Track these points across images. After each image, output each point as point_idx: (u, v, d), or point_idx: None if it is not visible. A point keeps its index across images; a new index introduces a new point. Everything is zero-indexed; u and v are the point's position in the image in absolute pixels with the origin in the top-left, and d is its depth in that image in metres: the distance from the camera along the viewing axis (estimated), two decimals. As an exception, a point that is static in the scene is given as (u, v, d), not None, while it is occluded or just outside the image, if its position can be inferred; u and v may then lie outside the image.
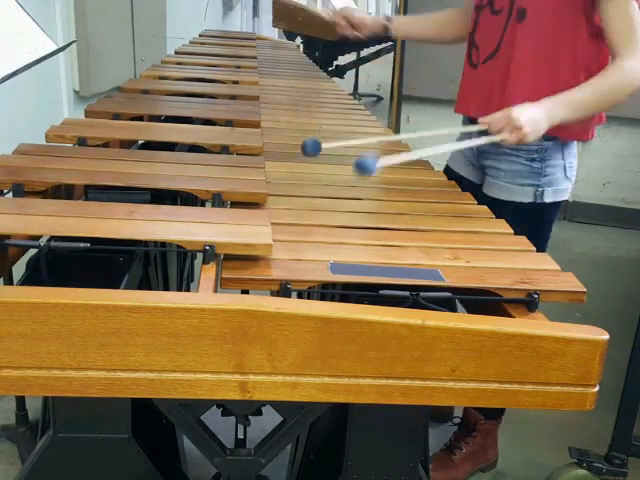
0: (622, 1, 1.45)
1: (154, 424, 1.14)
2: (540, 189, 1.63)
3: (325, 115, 2.11)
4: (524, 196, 1.64)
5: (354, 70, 6.37)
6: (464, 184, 1.62)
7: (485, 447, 1.97)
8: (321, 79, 2.78)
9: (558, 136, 1.58)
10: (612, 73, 1.46)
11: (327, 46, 5.65)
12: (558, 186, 1.65)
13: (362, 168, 1.21)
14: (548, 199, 1.64)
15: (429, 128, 1.53)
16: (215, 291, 0.96)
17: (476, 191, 1.57)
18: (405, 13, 4.10)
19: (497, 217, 1.34)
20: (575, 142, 1.67)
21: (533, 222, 1.57)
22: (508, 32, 1.58)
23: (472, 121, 1.65)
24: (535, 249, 1.19)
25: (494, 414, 1.95)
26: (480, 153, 1.72)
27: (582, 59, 1.54)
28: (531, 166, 1.62)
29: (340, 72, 6.15)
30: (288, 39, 5.74)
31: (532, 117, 1.37)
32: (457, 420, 2.00)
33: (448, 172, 1.80)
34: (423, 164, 1.70)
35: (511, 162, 1.65)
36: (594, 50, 1.55)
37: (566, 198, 1.69)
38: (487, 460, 1.99)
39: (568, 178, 1.66)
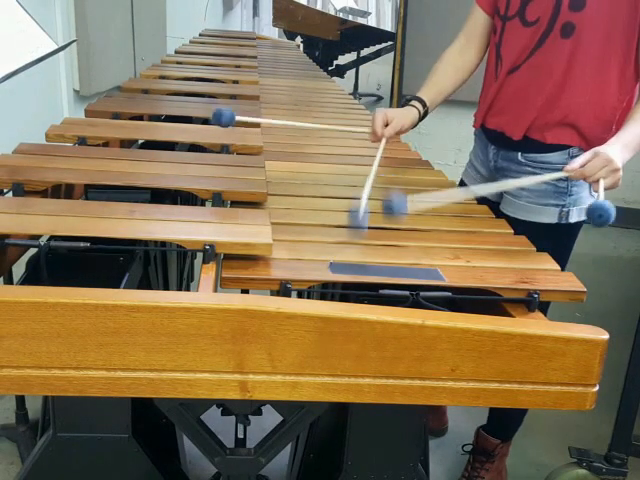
0: None
1: (154, 424, 1.14)
2: (565, 209, 1.53)
3: (325, 115, 2.11)
4: (548, 216, 1.54)
5: (354, 70, 6.37)
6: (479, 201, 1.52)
7: (500, 469, 1.93)
8: (321, 79, 2.78)
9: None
10: None
11: (327, 46, 5.66)
12: (583, 205, 1.53)
13: (391, 209, 1.14)
14: (573, 219, 1.55)
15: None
16: (215, 291, 0.96)
17: (493, 209, 1.46)
18: (405, 13, 4.10)
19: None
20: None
21: (556, 242, 1.45)
22: (547, 46, 1.47)
23: (498, 136, 1.59)
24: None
25: (510, 435, 1.89)
26: (497, 170, 1.62)
27: (629, 80, 1.47)
28: (556, 185, 1.52)
29: (340, 72, 6.15)
30: (288, 39, 5.74)
31: (622, 159, 1.28)
32: (468, 447, 1.93)
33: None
34: (423, 164, 1.70)
35: None
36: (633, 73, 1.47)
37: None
38: None
39: (592, 196, 1.53)
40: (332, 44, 5.86)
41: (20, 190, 1.20)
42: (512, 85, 1.54)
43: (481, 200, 1.46)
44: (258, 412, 1.02)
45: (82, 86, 2.77)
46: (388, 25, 8.85)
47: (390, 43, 5.91)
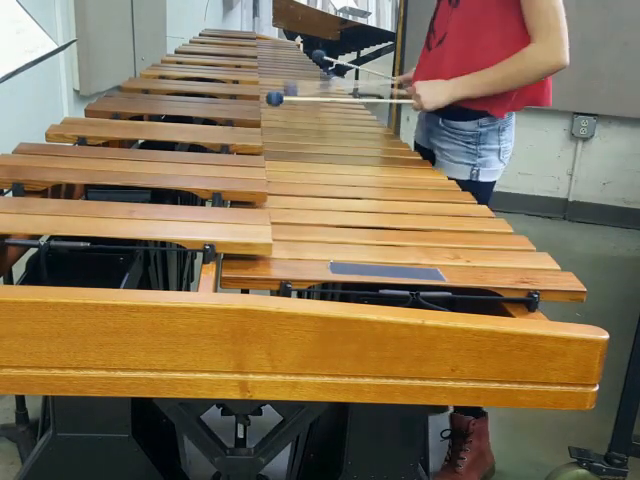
0: None
1: (154, 423, 1.14)
2: (476, 169, 1.80)
3: (325, 114, 2.11)
4: (462, 174, 1.79)
5: (354, 70, 6.36)
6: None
7: (482, 450, 1.96)
8: (321, 78, 2.78)
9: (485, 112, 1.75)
10: (515, 58, 1.61)
11: (327, 46, 5.66)
12: (491, 167, 1.81)
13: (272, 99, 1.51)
14: (482, 178, 1.81)
15: None
16: (215, 290, 0.96)
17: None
18: (405, 13, 4.10)
19: None
20: (511, 127, 1.82)
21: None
22: (450, 18, 1.73)
23: None
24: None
25: (478, 410, 1.94)
26: (427, 132, 1.91)
27: (512, 44, 1.64)
28: (467, 147, 1.79)
29: (340, 71, 6.14)
30: (288, 38, 5.74)
31: (430, 90, 1.66)
32: (446, 433, 1.97)
33: (417, 148, 1.97)
34: (423, 164, 1.70)
35: (450, 142, 1.82)
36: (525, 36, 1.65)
37: (497, 178, 1.86)
38: (487, 464, 1.98)
39: (501, 160, 1.82)
40: (332, 44, 5.86)
41: (20, 190, 1.20)
42: (435, 55, 1.78)
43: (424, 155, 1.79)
44: (258, 412, 1.02)
45: (82, 86, 2.77)
46: (388, 25, 8.85)
47: (390, 43, 5.91)
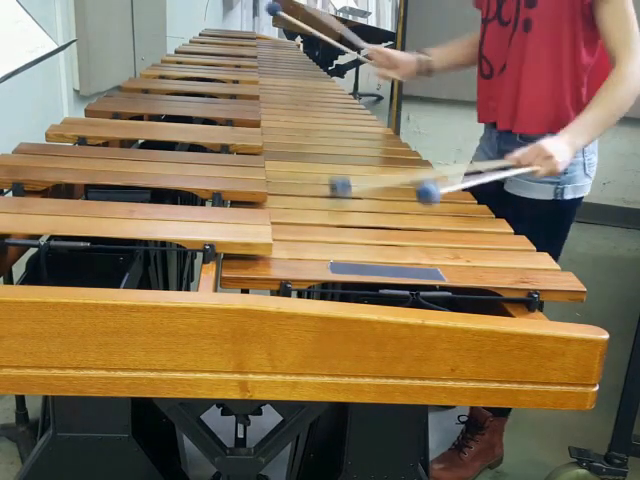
0: (618, 5, 1.47)
1: (154, 423, 1.14)
2: (560, 186, 1.65)
3: (325, 114, 2.11)
4: (544, 193, 1.65)
5: (354, 70, 6.37)
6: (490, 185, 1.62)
7: (493, 444, 1.98)
8: (321, 79, 2.78)
9: None
10: (615, 84, 1.49)
11: (327, 46, 5.64)
12: (577, 183, 1.67)
13: (426, 195, 1.15)
14: (568, 196, 1.67)
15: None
16: (215, 290, 0.96)
17: (500, 189, 1.61)
18: (405, 13, 4.10)
19: (516, 214, 1.38)
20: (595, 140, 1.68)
21: (553, 220, 1.59)
22: (515, 43, 1.61)
23: (494, 124, 1.72)
24: (535, 248, 1.19)
25: (503, 411, 1.95)
26: (500, 152, 1.69)
27: (582, 64, 1.57)
28: None
29: (340, 71, 6.14)
30: (288, 38, 5.73)
31: (559, 148, 1.42)
32: (463, 418, 2.00)
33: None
34: (423, 164, 1.70)
35: None
36: (592, 54, 1.58)
37: (585, 194, 1.71)
38: (495, 457, 2.00)
39: (587, 175, 1.68)
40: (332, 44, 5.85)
41: (20, 190, 1.20)
42: (501, 82, 1.65)
43: (489, 183, 1.51)
44: (258, 412, 1.02)
45: (82, 86, 2.76)
46: (388, 25, 8.85)
47: (390, 43, 5.91)
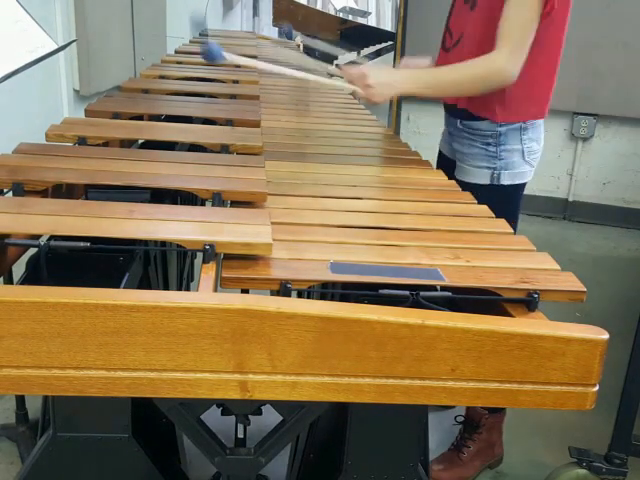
0: (519, 5, 1.53)
1: (154, 423, 1.14)
2: (496, 172, 1.72)
3: (325, 114, 2.11)
4: (482, 178, 1.73)
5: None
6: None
7: (492, 443, 1.98)
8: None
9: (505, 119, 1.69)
10: (471, 66, 1.56)
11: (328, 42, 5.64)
12: (515, 169, 1.73)
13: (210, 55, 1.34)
14: (505, 181, 1.72)
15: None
16: (215, 290, 0.96)
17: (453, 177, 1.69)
18: (405, 13, 4.10)
19: None
20: (536, 127, 1.75)
21: (494, 206, 1.57)
22: (465, 20, 1.69)
23: (447, 106, 1.81)
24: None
25: (497, 407, 1.95)
26: (450, 136, 1.82)
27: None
28: (487, 150, 1.72)
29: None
30: (288, 39, 5.73)
31: (382, 80, 1.52)
32: (460, 419, 2.00)
33: (440, 157, 1.93)
34: (423, 164, 1.70)
35: (470, 145, 1.75)
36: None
37: (525, 181, 1.76)
38: (494, 456, 2.00)
39: (527, 162, 1.74)
40: (332, 44, 5.85)
41: (20, 190, 1.20)
42: (454, 57, 1.69)
43: (441, 165, 1.68)
44: (258, 412, 1.02)
45: (82, 86, 2.76)
46: (388, 25, 8.85)
47: (390, 43, 5.91)
